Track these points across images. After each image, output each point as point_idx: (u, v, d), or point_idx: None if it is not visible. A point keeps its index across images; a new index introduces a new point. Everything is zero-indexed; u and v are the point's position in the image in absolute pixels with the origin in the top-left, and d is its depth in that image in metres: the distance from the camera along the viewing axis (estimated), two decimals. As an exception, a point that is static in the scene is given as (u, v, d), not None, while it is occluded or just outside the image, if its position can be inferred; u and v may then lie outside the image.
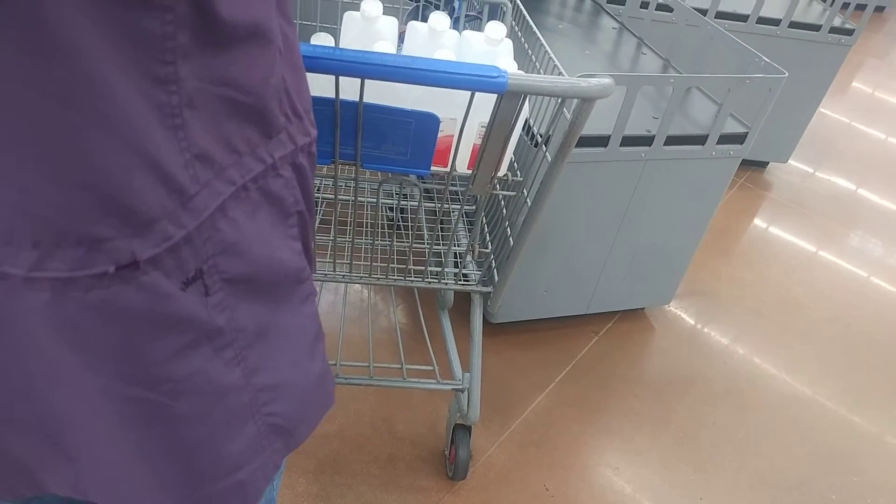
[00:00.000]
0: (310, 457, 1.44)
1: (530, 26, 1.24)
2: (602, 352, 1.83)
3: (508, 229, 1.16)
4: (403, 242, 1.53)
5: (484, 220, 1.35)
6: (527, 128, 1.36)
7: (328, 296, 1.85)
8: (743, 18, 2.28)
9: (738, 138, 1.54)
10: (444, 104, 0.88)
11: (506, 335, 1.81)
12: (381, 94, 0.83)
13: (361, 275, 1.19)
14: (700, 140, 1.51)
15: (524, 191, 1.06)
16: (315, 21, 1.34)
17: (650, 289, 1.86)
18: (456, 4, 1.39)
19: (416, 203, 1.10)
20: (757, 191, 2.69)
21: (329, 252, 1.15)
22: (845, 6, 2.41)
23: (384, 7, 1.07)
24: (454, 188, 1.39)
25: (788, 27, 2.29)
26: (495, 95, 0.79)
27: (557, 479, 1.49)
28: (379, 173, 1.00)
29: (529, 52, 1.28)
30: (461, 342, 1.52)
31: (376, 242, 1.13)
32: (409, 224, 1.63)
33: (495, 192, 0.99)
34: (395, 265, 1.20)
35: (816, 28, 2.31)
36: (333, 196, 0.99)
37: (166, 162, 0.39)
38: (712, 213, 1.69)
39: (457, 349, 1.53)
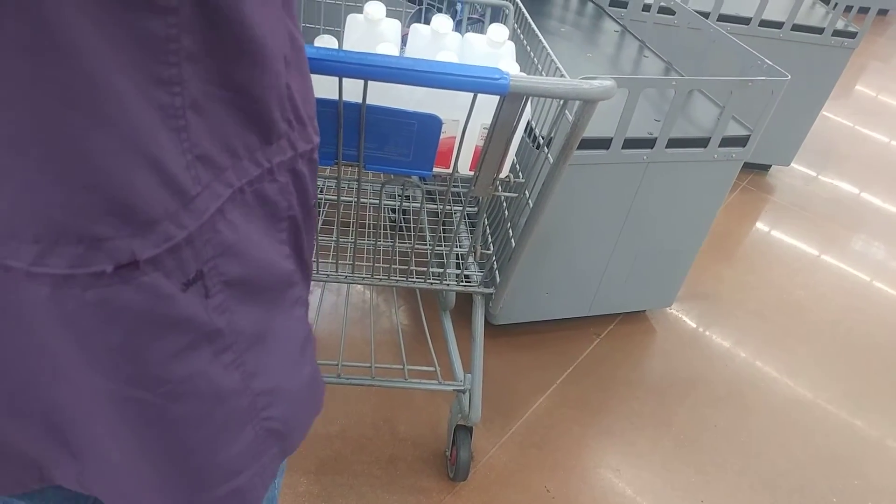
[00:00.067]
0: (311, 457, 1.45)
1: (532, 29, 1.25)
2: (603, 354, 1.83)
3: (510, 231, 1.16)
4: (405, 243, 1.54)
5: (486, 222, 1.35)
6: (529, 130, 1.36)
7: (330, 296, 1.86)
8: (745, 21, 2.28)
9: (741, 141, 1.55)
10: (446, 106, 0.88)
11: (507, 336, 1.81)
12: (384, 95, 0.83)
13: (364, 276, 1.19)
14: (702, 143, 1.52)
15: (526, 192, 1.07)
16: (318, 24, 1.35)
17: (652, 291, 1.86)
18: (458, 7, 1.39)
19: (419, 204, 1.10)
20: (759, 194, 2.68)
21: (332, 253, 1.16)
22: (848, 9, 2.41)
23: (387, 10, 1.07)
24: (456, 189, 1.40)
25: (791, 30, 2.29)
26: (497, 97, 0.79)
27: (559, 480, 1.49)
28: (381, 174, 1.01)
29: (532, 54, 1.29)
30: (463, 343, 1.53)
31: (378, 243, 1.13)
32: (412, 225, 1.64)
33: (497, 193, 1.00)
34: (397, 266, 1.20)
35: (819, 31, 2.31)
36: (336, 197, 1.00)
37: (168, 163, 0.39)
38: (714, 216, 1.69)
39: (458, 350, 1.54)
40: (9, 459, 0.51)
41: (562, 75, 1.05)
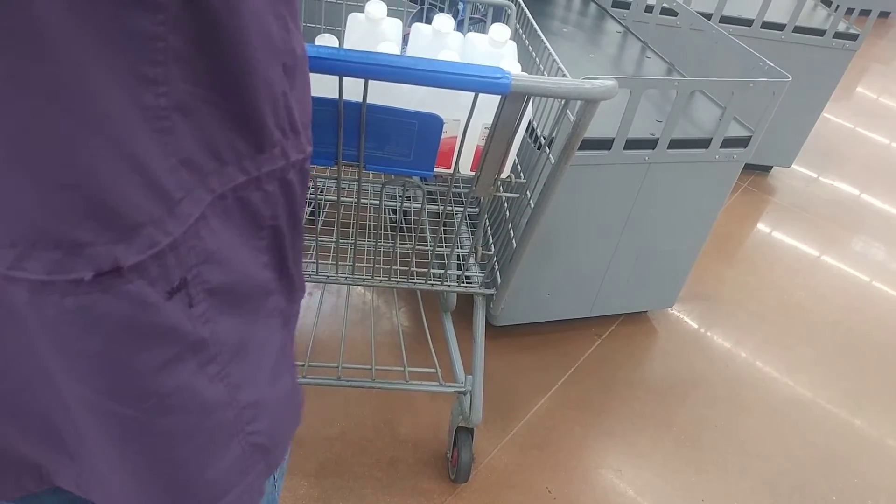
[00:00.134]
0: (311, 459, 1.44)
1: (534, 29, 1.24)
2: (605, 355, 1.83)
3: (511, 231, 1.16)
4: (406, 244, 1.54)
5: (487, 223, 1.35)
6: (530, 130, 1.36)
7: (330, 298, 1.85)
8: (747, 23, 2.28)
9: (742, 142, 1.54)
10: (447, 105, 0.88)
11: (508, 338, 1.80)
12: (385, 95, 0.83)
13: (364, 277, 1.19)
14: (704, 144, 1.51)
15: (527, 193, 1.06)
16: (320, 23, 1.35)
17: (653, 292, 1.85)
18: (460, 7, 1.39)
19: (419, 205, 1.10)
20: (760, 195, 2.68)
21: (332, 254, 1.16)
22: (850, 11, 2.41)
23: (388, 9, 1.07)
24: (457, 190, 1.40)
25: (793, 32, 2.29)
26: (499, 97, 0.79)
27: (560, 481, 1.49)
28: (382, 175, 1.01)
29: (533, 54, 1.28)
30: (464, 345, 1.52)
31: (379, 244, 1.13)
32: (412, 226, 1.63)
33: (498, 194, 0.99)
34: (397, 267, 1.20)
35: (821, 33, 2.31)
36: (336, 198, 0.99)
37: (152, 165, 0.38)
38: (715, 217, 1.69)
39: (459, 352, 1.53)
40: (9, 462, 0.50)
41: (564, 75, 1.05)
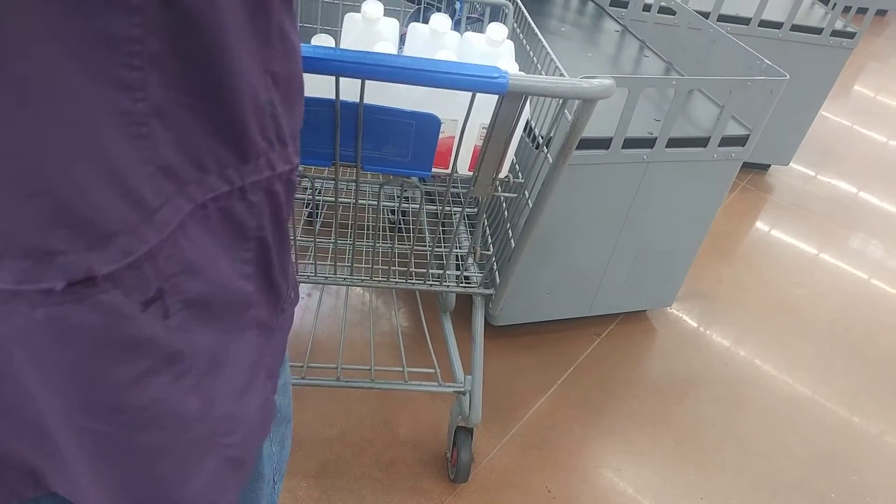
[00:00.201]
0: (311, 460, 1.44)
1: (532, 28, 1.24)
2: (604, 354, 1.83)
3: (510, 231, 1.16)
4: (405, 245, 1.54)
5: (485, 222, 1.35)
6: (528, 129, 1.36)
7: (329, 299, 1.85)
8: (745, 21, 2.28)
9: (740, 140, 1.54)
10: (445, 105, 0.88)
11: (507, 337, 1.80)
12: (382, 95, 0.83)
13: (363, 277, 1.19)
14: (702, 142, 1.51)
15: (525, 192, 1.06)
16: (316, 23, 1.35)
17: (652, 291, 1.85)
18: (457, 6, 1.39)
19: (418, 205, 1.10)
20: (758, 193, 2.68)
21: (330, 255, 1.15)
22: (847, 10, 2.41)
23: (385, 9, 1.07)
24: (455, 190, 1.40)
25: (790, 30, 2.29)
26: (496, 96, 0.79)
27: (559, 480, 1.49)
28: (380, 175, 1.00)
29: (531, 53, 1.28)
30: (463, 345, 1.52)
31: (377, 245, 1.13)
32: (411, 226, 1.63)
33: (496, 193, 0.99)
34: (396, 268, 1.20)
35: (818, 31, 2.31)
36: (334, 198, 0.99)
37: (129, 172, 0.37)
38: (714, 216, 1.69)
39: (458, 352, 1.53)
40: (5, 468, 0.49)
41: (561, 74, 1.05)
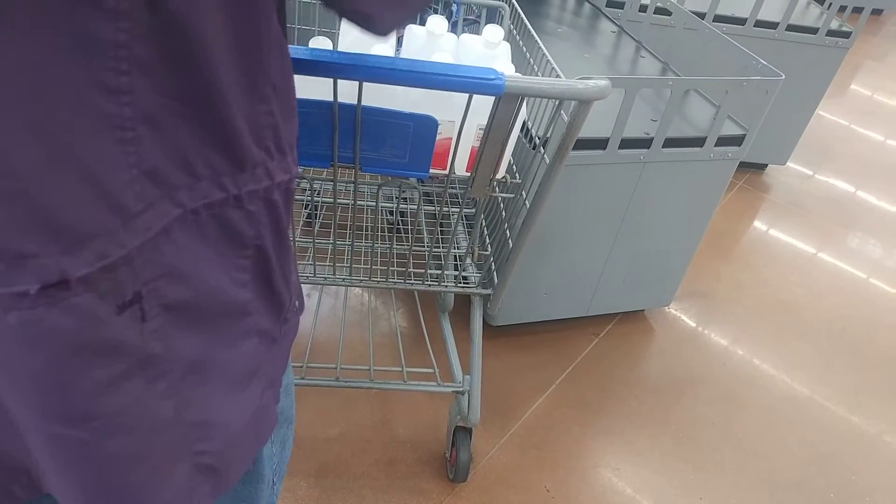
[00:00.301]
0: (311, 460, 1.45)
1: (528, 30, 1.25)
2: (602, 353, 1.83)
3: (507, 231, 1.16)
4: (403, 245, 1.54)
5: (483, 223, 1.36)
6: (525, 130, 1.37)
7: (328, 300, 1.86)
8: (741, 22, 2.28)
9: (736, 140, 1.55)
10: (442, 107, 0.89)
11: (506, 338, 1.81)
12: (380, 97, 0.83)
13: (361, 278, 1.19)
14: (698, 142, 1.52)
15: (523, 193, 1.07)
16: (314, 25, 1.35)
17: (650, 291, 1.86)
18: (454, 8, 1.40)
19: (416, 206, 1.10)
20: (756, 193, 2.69)
21: (329, 255, 1.16)
22: (842, 9, 2.42)
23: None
24: (453, 191, 1.40)
25: (786, 30, 2.29)
26: (493, 98, 0.80)
27: (558, 480, 1.49)
28: (378, 176, 1.01)
29: (528, 55, 1.29)
30: (461, 345, 1.53)
31: (376, 245, 1.13)
32: (409, 227, 1.64)
33: (494, 194, 1.00)
34: (395, 268, 1.20)
35: (814, 31, 2.31)
36: (333, 199, 1.00)
37: (108, 176, 0.37)
38: (711, 215, 1.69)
39: (457, 352, 1.54)
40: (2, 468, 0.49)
41: (557, 75, 1.05)
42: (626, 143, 1.45)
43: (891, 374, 1.91)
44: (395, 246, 1.23)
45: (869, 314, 2.12)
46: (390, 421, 1.55)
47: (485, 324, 1.69)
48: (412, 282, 1.19)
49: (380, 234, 1.50)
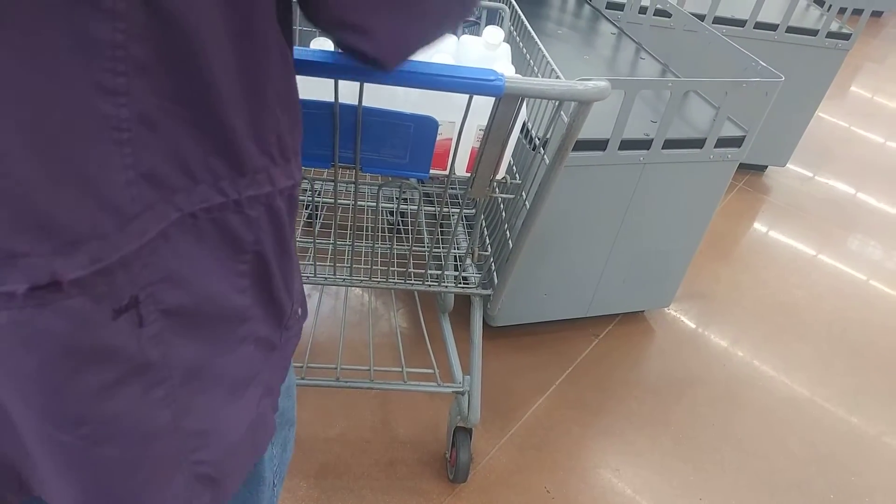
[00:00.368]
0: (311, 461, 1.45)
1: (528, 31, 1.25)
2: (602, 354, 1.83)
3: (507, 232, 1.17)
4: (403, 246, 1.54)
5: (483, 223, 1.36)
6: (525, 131, 1.37)
7: (328, 300, 1.86)
8: (740, 23, 2.29)
9: (736, 142, 1.55)
10: (442, 108, 0.89)
11: (506, 338, 1.81)
12: (380, 97, 0.84)
13: (362, 278, 1.20)
14: (698, 143, 1.52)
15: (523, 194, 1.07)
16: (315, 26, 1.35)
17: (650, 292, 1.86)
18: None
19: (416, 206, 1.10)
20: (755, 194, 2.69)
21: (329, 256, 1.16)
22: (842, 11, 2.42)
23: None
24: (453, 191, 1.40)
25: (786, 32, 2.30)
26: (493, 99, 0.80)
27: (558, 481, 1.49)
28: (378, 177, 1.01)
29: (528, 56, 1.29)
30: (461, 345, 1.53)
31: (376, 246, 1.14)
32: (409, 227, 1.64)
33: (494, 195, 1.00)
34: (395, 269, 1.20)
35: (814, 33, 2.32)
36: (333, 200, 1.00)
37: (104, 178, 0.36)
38: (711, 216, 1.70)
39: (457, 352, 1.54)
40: None
41: (557, 77, 1.06)
42: (626, 145, 1.45)
43: (890, 376, 1.91)
44: (395, 246, 1.23)
45: (869, 316, 2.13)
46: (390, 421, 1.56)
47: (485, 324, 1.69)
48: (412, 282, 1.19)
49: (380, 234, 1.51)
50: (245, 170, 0.44)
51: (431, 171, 0.94)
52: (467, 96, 0.79)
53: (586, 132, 1.36)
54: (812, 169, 2.92)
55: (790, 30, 2.30)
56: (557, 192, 1.46)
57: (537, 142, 1.04)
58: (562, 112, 0.92)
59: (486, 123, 0.84)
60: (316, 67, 0.67)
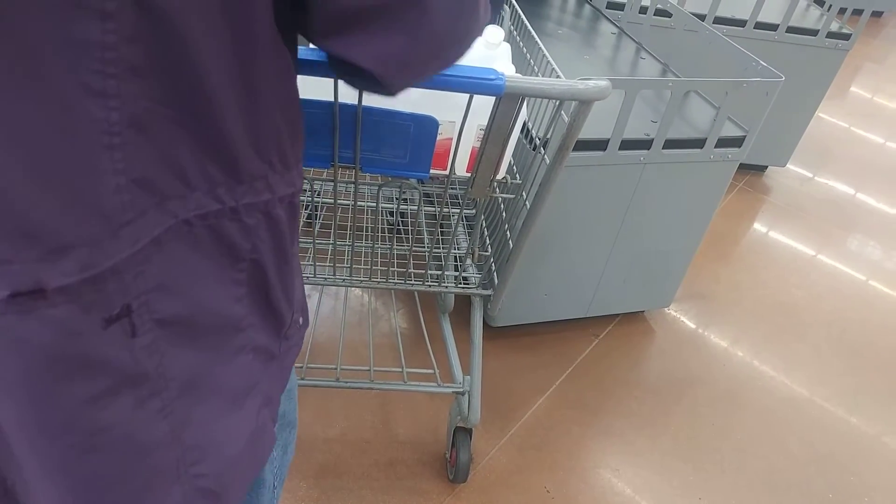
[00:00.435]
0: (311, 461, 1.45)
1: (528, 31, 1.25)
2: (602, 354, 1.83)
3: (508, 232, 1.17)
4: (403, 246, 1.54)
5: (483, 224, 1.36)
6: (525, 131, 1.37)
7: (328, 300, 1.86)
8: (741, 23, 2.29)
9: (736, 142, 1.55)
10: (442, 107, 0.89)
11: (506, 339, 1.81)
12: (380, 97, 0.84)
13: (361, 279, 1.20)
14: (698, 144, 1.52)
15: (523, 194, 1.07)
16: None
17: (650, 292, 1.86)
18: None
19: (416, 206, 1.10)
20: (755, 194, 2.69)
21: (329, 256, 1.16)
22: (842, 11, 2.42)
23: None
24: (454, 191, 1.40)
25: (786, 32, 2.30)
26: (493, 98, 0.80)
27: (558, 481, 1.49)
28: (378, 177, 1.01)
29: (528, 56, 1.29)
30: (462, 346, 1.53)
31: (376, 246, 1.14)
32: (409, 227, 1.64)
33: (494, 195, 1.00)
34: (395, 269, 1.20)
35: (814, 33, 2.32)
36: (333, 200, 1.00)
37: (92, 183, 0.35)
38: (711, 217, 1.70)
39: (457, 353, 1.54)
40: None
41: (558, 76, 1.06)
42: (627, 145, 1.45)
43: (889, 376, 1.91)
44: (395, 247, 1.23)
45: (868, 316, 2.13)
46: (390, 422, 1.55)
47: (485, 325, 1.69)
48: (412, 282, 1.19)
49: (380, 234, 1.50)
50: (242, 177, 0.43)
51: (431, 171, 0.94)
52: (467, 96, 0.79)
53: (587, 132, 1.36)
54: (812, 169, 2.92)
55: (790, 30, 2.30)
56: (558, 192, 1.45)
57: (538, 142, 1.04)
58: (562, 112, 0.92)
59: (486, 123, 0.84)
60: (316, 67, 0.67)
